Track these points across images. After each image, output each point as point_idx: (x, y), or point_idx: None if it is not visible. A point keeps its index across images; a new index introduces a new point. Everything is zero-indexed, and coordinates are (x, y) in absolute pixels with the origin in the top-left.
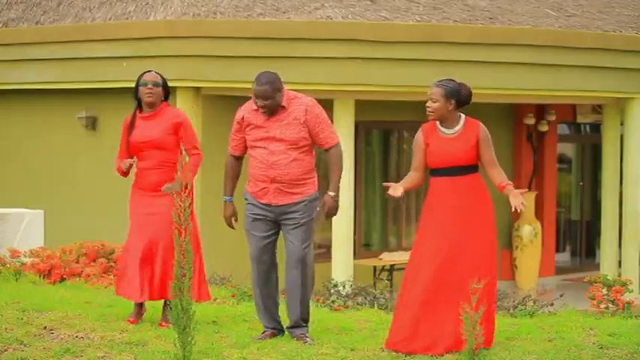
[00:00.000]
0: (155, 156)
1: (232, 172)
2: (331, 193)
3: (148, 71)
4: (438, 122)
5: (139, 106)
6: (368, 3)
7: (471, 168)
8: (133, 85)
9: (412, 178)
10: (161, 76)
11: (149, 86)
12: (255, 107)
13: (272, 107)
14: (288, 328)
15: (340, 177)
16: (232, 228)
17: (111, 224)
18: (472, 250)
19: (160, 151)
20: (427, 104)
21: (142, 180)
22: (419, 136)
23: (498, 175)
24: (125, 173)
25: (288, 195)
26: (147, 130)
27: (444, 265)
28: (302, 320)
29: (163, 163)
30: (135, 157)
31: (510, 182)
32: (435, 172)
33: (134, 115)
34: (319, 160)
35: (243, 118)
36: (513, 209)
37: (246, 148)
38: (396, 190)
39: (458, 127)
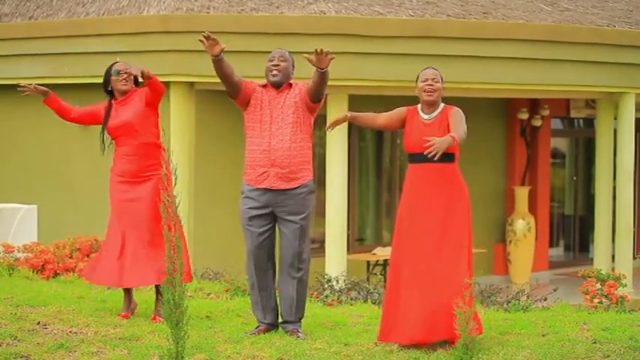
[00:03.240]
0: (132, 141)
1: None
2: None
3: (116, 62)
4: (419, 108)
5: (112, 97)
6: None
7: (447, 156)
8: None
9: (370, 116)
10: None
11: (122, 74)
12: (262, 84)
13: (284, 72)
14: (281, 323)
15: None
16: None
17: (104, 219)
18: (452, 240)
19: (136, 136)
20: (429, 83)
21: (121, 166)
22: (402, 110)
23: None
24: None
25: (289, 180)
26: (121, 115)
27: (423, 258)
28: (296, 317)
29: (140, 147)
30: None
31: (455, 137)
32: (412, 157)
33: (110, 105)
34: (315, 156)
35: (253, 85)
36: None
37: (242, 87)
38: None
39: (435, 113)
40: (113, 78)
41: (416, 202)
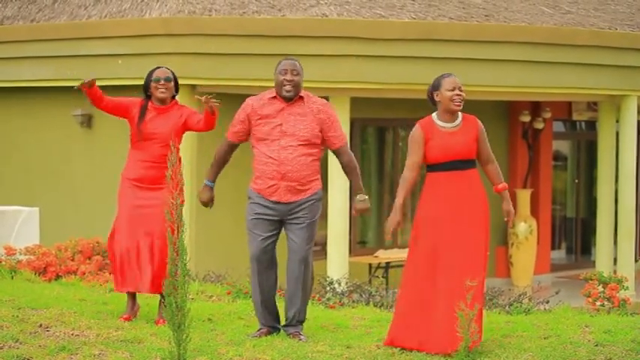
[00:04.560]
0: (155, 150)
1: (223, 159)
2: (360, 197)
3: (158, 67)
4: (435, 118)
5: (149, 98)
6: (363, 0)
7: (471, 162)
8: (128, 82)
9: (408, 182)
10: (171, 72)
11: (162, 82)
12: (270, 96)
13: (297, 86)
14: (283, 326)
15: (360, 177)
16: (208, 206)
17: (106, 222)
18: (468, 248)
19: (163, 147)
20: (457, 93)
21: (138, 172)
22: (418, 132)
23: (496, 175)
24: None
25: (298, 192)
26: (156, 124)
27: (440, 264)
28: (298, 320)
29: (161, 157)
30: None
31: (506, 185)
32: (435, 167)
33: (146, 105)
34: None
35: (252, 107)
36: (505, 216)
37: (245, 137)
38: (396, 221)
39: (458, 121)
40: (152, 84)
41: (444, 209)
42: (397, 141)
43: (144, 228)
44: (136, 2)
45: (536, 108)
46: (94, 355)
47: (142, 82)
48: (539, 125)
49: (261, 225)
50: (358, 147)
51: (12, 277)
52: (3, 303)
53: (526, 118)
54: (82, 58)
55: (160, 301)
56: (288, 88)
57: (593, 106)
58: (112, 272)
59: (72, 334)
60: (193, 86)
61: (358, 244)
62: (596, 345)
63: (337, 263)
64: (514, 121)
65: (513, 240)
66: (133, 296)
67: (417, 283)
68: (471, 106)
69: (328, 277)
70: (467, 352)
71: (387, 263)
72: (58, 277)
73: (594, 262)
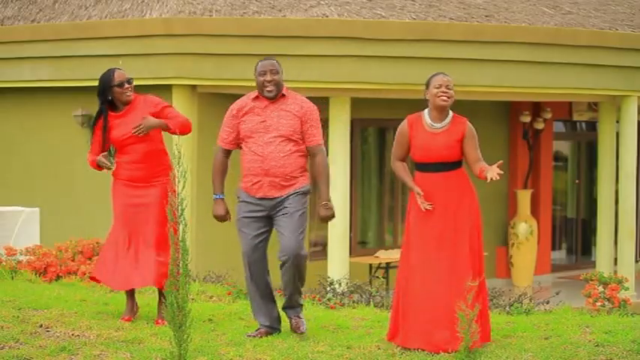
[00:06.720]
0: (139, 149)
1: (222, 168)
2: (325, 204)
3: (113, 70)
4: (426, 115)
5: (109, 105)
6: (364, 1)
7: (455, 164)
8: None
9: (400, 168)
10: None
11: (126, 86)
12: (253, 96)
13: (278, 85)
14: (283, 307)
15: (329, 183)
16: (226, 221)
17: (106, 222)
18: (459, 246)
19: (143, 144)
20: (443, 90)
21: (127, 173)
22: (404, 126)
23: (479, 166)
24: (100, 168)
25: (282, 188)
26: (126, 124)
27: (434, 265)
28: (297, 303)
29: (147, 155)
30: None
31: (485, 164)
32: (420, 166)
33: (106, 116)
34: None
35: (239, 108)
36: (489, 180)
37: (236, 143)
38: (417, 191)
39: (445, 122)
40: (117, 89)
41: (425, 210)
42: None
43: (135, 226)
44: (136, 2)
45: (536, 108)
46: (95, 356)
47: (142, 83)
48: (540, 125)
49: (250, 224)
50: (358, 147)
51: (12, 278)
52: (3, 303)
53: (526, 119)
54: (82, 59)
55: (159, 301)
56: (269, 88)
57: (593, 106)
58: (96, 262)
59: (72, 335)
60: (194, 87)
61: (358, 245)
62: (597, 345)
63: (338, 264)
64: (514, 122)
65: (514, 240)
66: (132, 296)
67: (413, 284)
68: (472, 106)
69: (329, 277)
70: (467, 352)
71: (388, 264)
72: (58, 277)
73: (595, 262)
